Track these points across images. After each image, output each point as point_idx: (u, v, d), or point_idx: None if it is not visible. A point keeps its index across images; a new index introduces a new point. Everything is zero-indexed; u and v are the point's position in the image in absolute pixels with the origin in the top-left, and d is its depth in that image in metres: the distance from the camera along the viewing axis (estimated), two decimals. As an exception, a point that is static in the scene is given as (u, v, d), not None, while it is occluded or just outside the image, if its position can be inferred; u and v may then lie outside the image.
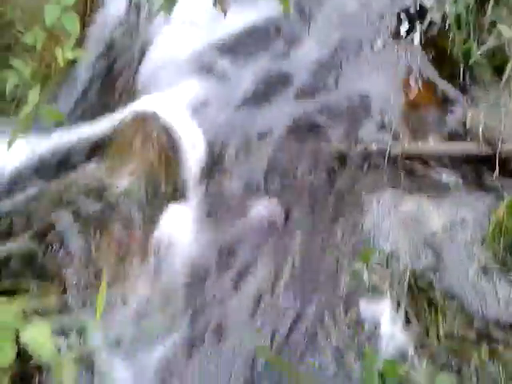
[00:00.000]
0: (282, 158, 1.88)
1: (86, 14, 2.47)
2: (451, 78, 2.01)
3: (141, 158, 1.97)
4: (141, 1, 2.30)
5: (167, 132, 2.00)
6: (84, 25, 2.45)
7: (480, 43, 1.99)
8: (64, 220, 1.83)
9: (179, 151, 1.97)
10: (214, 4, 1.86)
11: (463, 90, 1.96)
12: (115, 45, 2.35)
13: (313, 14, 2.22)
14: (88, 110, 2.28)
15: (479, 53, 1.92)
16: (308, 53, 2.14)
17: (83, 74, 2.36)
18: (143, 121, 2.05)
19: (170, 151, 1.98)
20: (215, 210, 1.82)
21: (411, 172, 1.80)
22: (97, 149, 2.04)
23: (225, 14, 1.89)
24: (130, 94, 2.19)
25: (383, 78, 1.96)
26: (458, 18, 2.05)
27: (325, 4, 2.23)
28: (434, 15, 2.06)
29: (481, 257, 1.63)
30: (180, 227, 1.80)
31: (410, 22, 2.08)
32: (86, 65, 2.35)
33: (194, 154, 1.96)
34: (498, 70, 1.90)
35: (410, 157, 1.82)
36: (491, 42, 1.90)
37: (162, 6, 2.33)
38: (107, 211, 1.84)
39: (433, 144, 1.83)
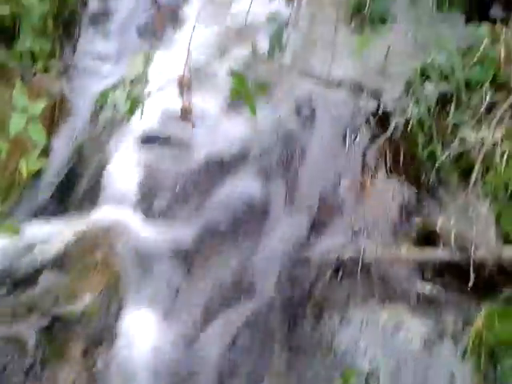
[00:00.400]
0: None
1: (53, 121, 2.47)
2: (419, 180, 2.02)
3: (103, 272, 1.90)
4: (106, 110, 2.31)
5: (130, 245, 1.94)
6: (51, 132, 2.45)
7: (444, 145, 2.01)
8: (21, 338, 1.73)
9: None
10: (181, 116, 1.90)
11: (431, 193, 1.97)
12: (80, 153, 2.34)
13: (296, 170, 2.07)
14: (50, 217, 2.21)
15: (444, 156, 1.94)
16: (281, 241, 1.89)
17: (47, 181, 2.32)
18: (107, 232, 2.00)
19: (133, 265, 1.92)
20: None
21: (385, 281, 1.76)
22: (58, 259, 1.97)
23: (193, 126, 1.91)
24: (93, 204, 2.14)
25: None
26: (420, 120, 2.09)
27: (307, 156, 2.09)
28: (398, 118, 2.10)
29: (463, 372, 1.56)
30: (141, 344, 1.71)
31: (375, 128, 2.12)
32: (50, 172, 2.32)
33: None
34: (465, 173, 1.91)
35: (383, 264, 1.78)
36: (455, 146, 1.92)
37: (127, 110, 2.37)
38: (67, 330, 1.75)
39: (405, 251, 1.80)
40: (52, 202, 2.28)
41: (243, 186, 2.02)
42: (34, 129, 2.08)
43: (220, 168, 2.08)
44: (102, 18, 2.91)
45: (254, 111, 2.02)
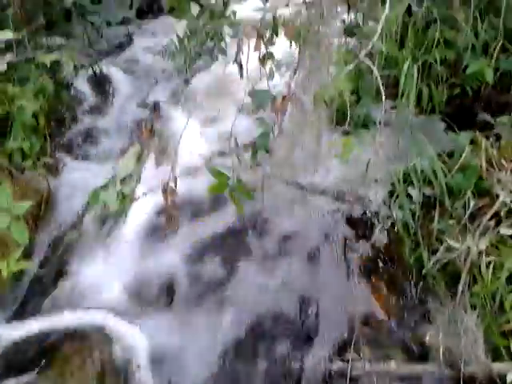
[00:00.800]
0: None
1: (38, 216, 2.46)
2: (405, 286, 1.99)
3: (79, 380, 1.82)
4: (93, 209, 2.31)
5: (110, 350, 1.87)
6: (36, 228, 2.43)
7: (431, 251, 2.01)
8: None
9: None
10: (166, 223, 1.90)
11: (419, 301, 1.94)
12: (64, 248, 2.31)
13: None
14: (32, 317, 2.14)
15: (430, 264, 1.93)
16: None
17: (30, 279, 2.27)
18: (84, 336, 1.93)
19: (111, 373, 1.84)
20: None
21: (374, 397, 1.69)
22: (34, 361, 1.89)
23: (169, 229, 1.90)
24: (73, 304, 2.09)
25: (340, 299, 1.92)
26: (405, 224, 2.10)
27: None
28: (383, 224, 2.10)
29: None
30: None
31: (360, 231, 2.12)
32: (33, 270, 2.27)
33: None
34: (453, 281, 1.90)
35: (371, 379, 1.72)
36: (441, 254, 1.92)
37: (116, 212, 2.36)
38: None
39: (394, 365, 1.74)
40: (35, 300, 2.22)
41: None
42: (17, 229, 2.06)
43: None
44: (94, 117, 2.99)
45: (241, 209, 2.00)
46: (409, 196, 2.14)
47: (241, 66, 1.90)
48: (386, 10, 1.89)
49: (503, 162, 2.14)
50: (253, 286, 2.00)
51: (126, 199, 2.33)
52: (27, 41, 3.05)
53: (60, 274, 2.24)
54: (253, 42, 2.11)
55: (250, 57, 2.08)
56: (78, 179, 2.58)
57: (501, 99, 2.58)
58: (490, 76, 2.47)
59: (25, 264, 2.09)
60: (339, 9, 2.73)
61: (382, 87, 1.65)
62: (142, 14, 3.84)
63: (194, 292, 2.01)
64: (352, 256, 2.00)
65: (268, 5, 2.41)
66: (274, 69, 1.96)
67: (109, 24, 3.38)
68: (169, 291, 2.04)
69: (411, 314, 1.89)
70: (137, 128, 2.73)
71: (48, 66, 2.93)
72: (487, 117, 2.46)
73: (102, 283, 2.06)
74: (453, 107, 2.63)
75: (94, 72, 3.30)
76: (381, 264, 2.03)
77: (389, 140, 2.30)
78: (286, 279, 2.01)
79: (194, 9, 3.22)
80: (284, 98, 1.78)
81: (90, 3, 3.14)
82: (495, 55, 2.49)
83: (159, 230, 2.07)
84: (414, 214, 2.09)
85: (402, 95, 2.45)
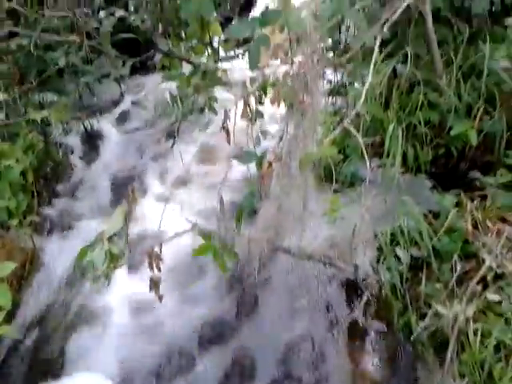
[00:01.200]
0: None
1: (22, 276, 2.42)
2: (395, 353, 1.96)
3: None
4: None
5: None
6: (20, 289, 2.39)
7: (419, 315, 1.99)
8: None
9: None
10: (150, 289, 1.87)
11: (408, 368, 1.90)
12: (49, 312, 2.26)
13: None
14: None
15: (419, 329, 1.90)
16: None
17: (13, 344, 2.21)
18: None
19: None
20: None
21: None
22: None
23: (160, 300, 1.88)
24: (59, 370, 2.04)
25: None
26: (394, 287, 2.08)
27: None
28: (371, 288, 2.09)
29: None
30: None
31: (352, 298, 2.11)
32: (15, 334, 2.22)
33: None
34: (441, 347, 1.87)
35: None
36: (429, 320, 1.90)
37: (102, 273, 2.32)
38: None
39: None
40: (17, 368, 2.15)
41: None
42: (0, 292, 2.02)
43: None
44: (82, 174, 3.00)
45: (224, 269, 1.98)
46: (396, 257, 2.14)
47: (228, 133, 1.92)
48: (370, 78, 1.95)
49: (488, 223, 2.15)
50: None
51: (114, 259, 2.30)
52: (19, 97, 3.09)
53: (44, 340, 2.18)
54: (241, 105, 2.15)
55: (238, 120, 2.11)
56: (65, 237, 2.56)
57: (485, 159, 2.62)
58: (473, 138, 2.50)
59: (6, 329, 2.04)
60: (326, 70, 2.82)
61: (365, 151, 1.67)
62: (134, 71, 3.92)
63: None
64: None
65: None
66: (260, 136, 1.98)
67: (101, 81, 3.44)
68: None
69: (401, 383, 1.86)
70: (124, 188, 2.73)
71: (39, 122, 2.96)
72: (477, 174, 2.49)
73: None
74: (438, 167, 2.65)
75: (85, 128, 3.33)
76: (371, 331, 2.01)
77: (375, 199, 2.31)
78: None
79: (186, 68, 3.30)
80: (270, 163, 1.79)
81: (83, 63, 3.21)
82: (478, 117, 2.54)
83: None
84: (401, 276, 2.08)
85: (388, 155, 2.48)
